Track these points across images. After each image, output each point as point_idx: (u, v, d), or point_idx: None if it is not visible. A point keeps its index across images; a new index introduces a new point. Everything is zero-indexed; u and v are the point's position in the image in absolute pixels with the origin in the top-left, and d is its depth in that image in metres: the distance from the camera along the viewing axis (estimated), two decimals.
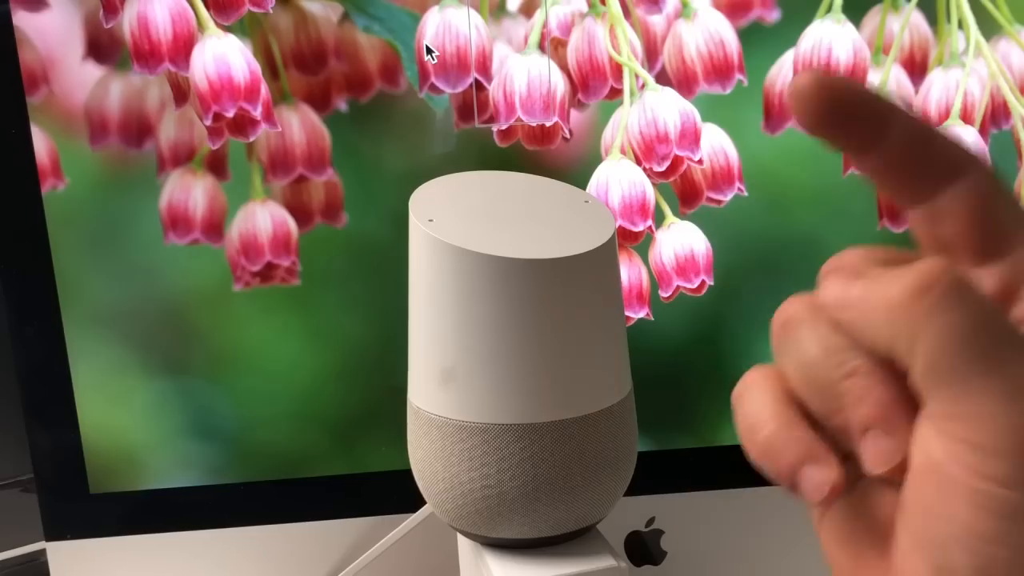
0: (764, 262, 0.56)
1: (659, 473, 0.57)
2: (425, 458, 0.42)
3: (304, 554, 0.58)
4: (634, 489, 0.45)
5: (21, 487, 0.64)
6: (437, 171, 0.45)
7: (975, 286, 0.23)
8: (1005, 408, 0.22)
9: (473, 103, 0.54)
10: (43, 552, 0.59)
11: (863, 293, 0.23)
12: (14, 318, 0.56)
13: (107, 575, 0.58)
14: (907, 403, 0.23)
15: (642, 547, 0.59)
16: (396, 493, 0.53)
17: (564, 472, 0.41)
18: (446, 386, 0.41)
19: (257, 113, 0.51)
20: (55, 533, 0.58)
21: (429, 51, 0.52)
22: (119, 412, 0.57)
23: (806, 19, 0.53)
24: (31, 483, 0.59)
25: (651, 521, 0.59)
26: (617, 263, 0.42)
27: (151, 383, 0.57)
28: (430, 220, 0.41)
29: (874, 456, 0.24)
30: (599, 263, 0.41)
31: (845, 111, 0.24)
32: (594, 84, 0.53)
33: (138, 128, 0.54)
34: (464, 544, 0.46)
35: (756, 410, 0.26)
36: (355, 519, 0.58)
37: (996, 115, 0.55)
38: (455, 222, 0.41)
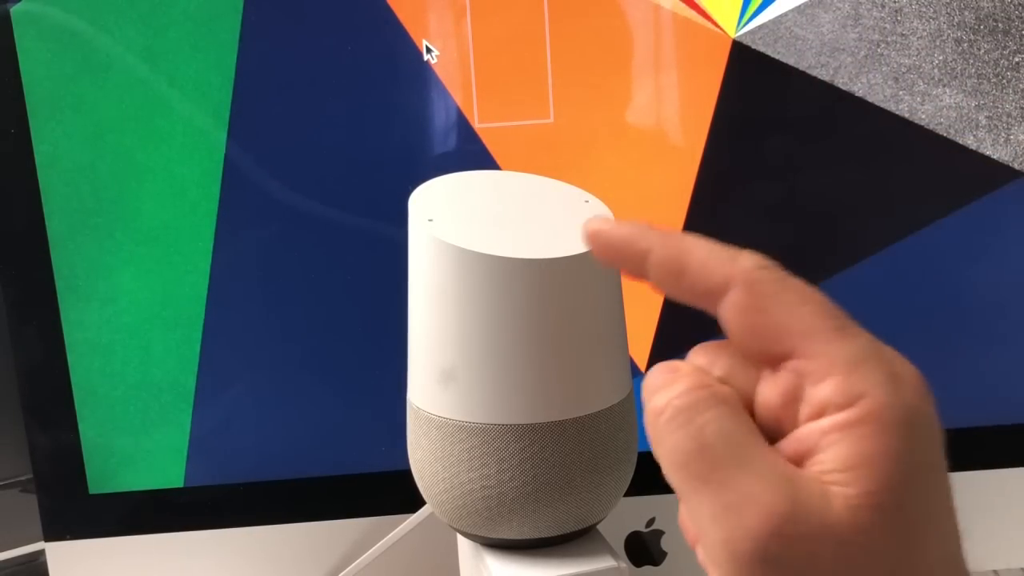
0: None
1: (659, 473, 0.57)
2: (425, 458, 0.42)
3: (304, 554, 0.58)
4: (634, 489, 0.44)
5: (21, 487, 0.64)
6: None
7: (707, 408, 0.25)
8: (713, 527, 0.24)
9: (473, 102, 0.54)
10: (42, 552, 0.59)
11: (644, 399, 0.27)
12: (14, 318, 0.56)
13: (106, 575, 0.58)
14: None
15: (642, 547, 0.59)
16: (396, 493, 0.53)
17: (564, 472, 0.41)
18: (446, 386, 0.41)
19: None
20: (54, 533, 0.58)
21: (429, 50, 0.52)
22: (118, 412, 0.57)
23: None
24: (30, 483, 0.59)
25: (651, 521, 0.59)
26: None
27: (151, 382, 0.57)
28: (430, 220, 0.41)
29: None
30: (599, 263, 0.40)
31: (608, 255, 0.28)
32: None
33: None
34: (464, 544, 0.46)
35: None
36: (355, 519, 0.58)
37: None
38: (455, 222, 0.41)
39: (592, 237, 0.29)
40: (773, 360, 0.26)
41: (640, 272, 0.28)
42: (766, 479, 0.24)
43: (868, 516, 0.24)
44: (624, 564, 0.42)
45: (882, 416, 0.24)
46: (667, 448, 0.25)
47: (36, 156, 0.55)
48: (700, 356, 0.28)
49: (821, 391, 0.25)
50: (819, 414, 0.25)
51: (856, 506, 0.24)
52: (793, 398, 0.25)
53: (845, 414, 0.24)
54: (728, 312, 0.26)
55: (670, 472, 0.25)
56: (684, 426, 0.25)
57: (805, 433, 0.25)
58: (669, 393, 0.25)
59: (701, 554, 0.26)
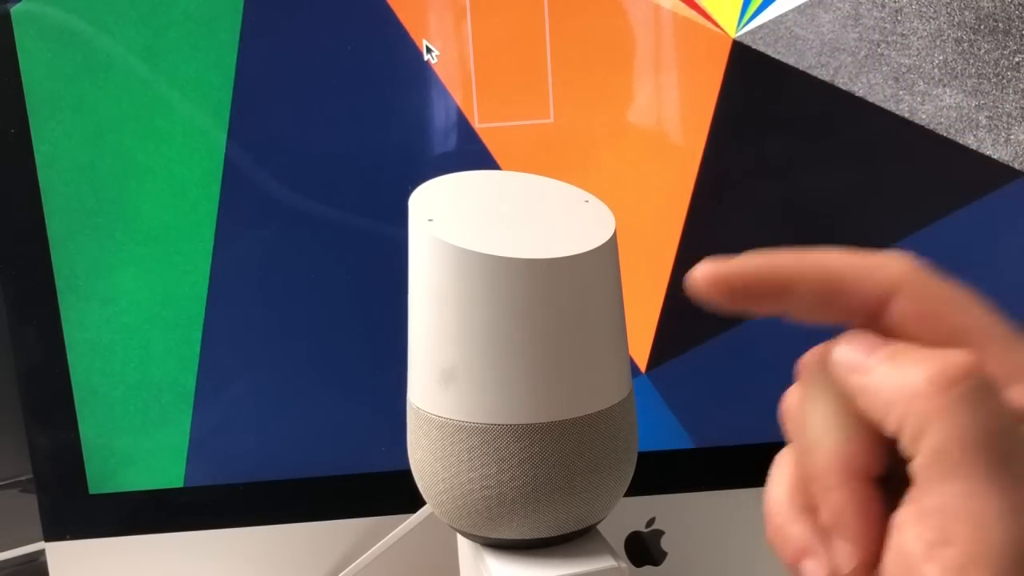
0: None
1: (659, 473, 0.57)
2: (425, 458, 0.42)
3: (304, 554, 0.58)
4: (634, 489, 0.44)
5: (20, 487, 0.64)
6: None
7: (999, 392, 0.22)
8: (1002, 522, 0.21)
9: (473, 102, 0.54)
10: (43, 552, 0.59)
11: (881, 364, 0.23)
12: (14, 318, 0.56)
13: (106, 575, 0.58)
14: (875, 506, 0.24)
15: (642, 547, 0.59)
16: (396, 493, 0.53)
17: (564, 472, 0.41)
18: (446, 386, 0.41)
19: None
20: (54, 533, 0.58)
21: (429, 50, 0.52)
22: (118, 412, 0.57)
23: None
24: (30, 483, 0.59)
25: (651, 521, 0.59)
26: (617, 263, 0.42)
27: (151, 382, 0.57)
28: (430, 220, 0.41)
29: (836, 558, 0.24)
30: (599, 263, 0.40)
31: (734, 297, 0.25)
32: None
33: None
34: (464, 544, 0.46)
35: (772, 496, 0.27)
36: (355, 519, 0.58)
37: None
38: (455, 222, 0.41)
39: (709, 284, 0.25)
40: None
41: (779, 305, 0.25)
42: None
43: None
44: (624, 564, 0.42)
45: None
46: (961, 423, 0.22)
47: (36, 156, 0.55)
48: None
49: (1019, 395, 0.24)
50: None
51: None
52: None
53: None
54: (901, 321, 0.25)
55: (959, 450, 0.22)
56: (986, 405, 0.22)
57: None
58: (961, 363, 0.22)
59: (918, 547, 0.22)
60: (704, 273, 0.25)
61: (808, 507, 0.26)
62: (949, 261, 0.55)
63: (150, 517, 0.58)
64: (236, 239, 0.56)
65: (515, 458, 0.40)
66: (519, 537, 0.42)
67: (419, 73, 0.54)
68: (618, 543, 0.59)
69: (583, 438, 0.41)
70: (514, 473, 0.40)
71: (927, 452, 0.22)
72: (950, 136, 0.54)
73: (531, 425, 0.40)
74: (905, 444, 0.23)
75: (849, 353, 0.24)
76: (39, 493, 0.58)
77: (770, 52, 0.54)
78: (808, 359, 0.25)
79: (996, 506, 0.21)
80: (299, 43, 0.54)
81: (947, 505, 0.22)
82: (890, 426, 0.23)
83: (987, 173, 0.55)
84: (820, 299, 0.25)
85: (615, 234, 0.41)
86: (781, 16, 0.54)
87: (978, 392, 0.22)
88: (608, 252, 0.41)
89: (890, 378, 0.23)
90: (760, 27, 0.54)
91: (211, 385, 0.57)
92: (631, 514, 0.58)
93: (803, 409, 0.25)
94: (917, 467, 0.22)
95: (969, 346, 0.24)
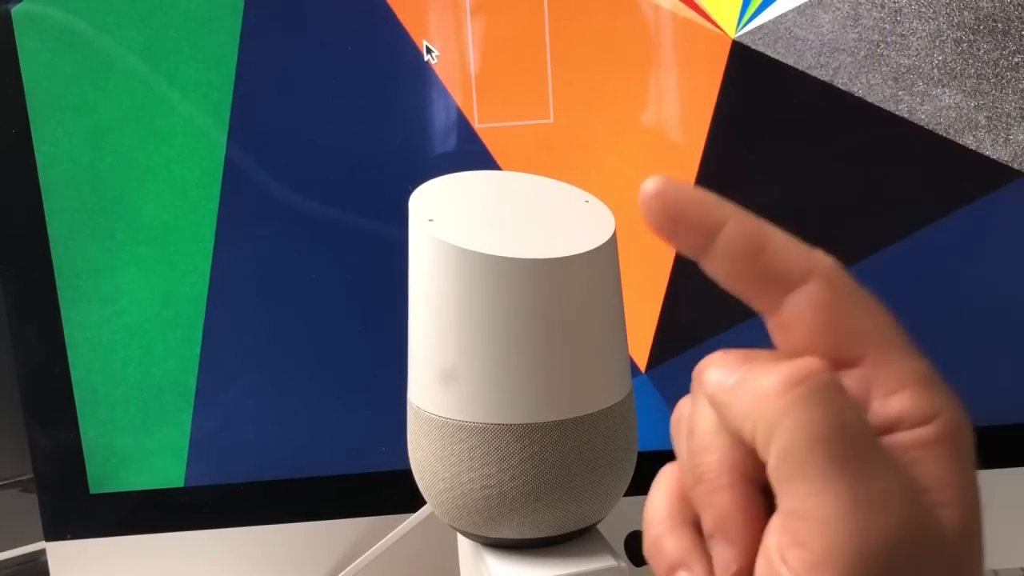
0: None
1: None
2: (425, 458, 0.42)
3: (304, 554, 0.58)
4: (634, 489, 0.44)
5: (21, 487, 0.64)
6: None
7: (844, 392, 0.23)
8: (843, 518, 0.22)
9: (473, 102, 0.54)
10: (43, 552, 0.59)
11: (740, 379, 0.24)
12: (14, 318, 0.56)
13: (107, 575, 0.58)
14: (758, 512, 0.24)
15: (642, 547, 0.59)
16: (396, 493, 0.53)
17: (564, 472, 0.41)
18: (446, 386, 0.41)
19: None
20: (55, 533, 0.58)
21: (429, 50, 0.52)
22: (119, 412, 0.57)
23: None
24: (31, 483, 0.59)
25: None
26: (617, 263, 0.42)
27: (151, 382, 0.57)
28: (430, 220, 0.41)
29: (716, 563, 0.24)
30: (599, 263, 0.40)
31: (669, 219, 0.25)
32: None
33: None
34: (464, 544, 0.46)
35: (651, 509, 0.27)
36: (355, 519, 0.58)
37: None
38: (455, 222, 0.41)
39: (652, 198, 0.25)
40: (833, 365, 0.24)
41: (703, 245, 0.25)
42: (899, 483, 0.23)
43: (968, 539, 0.23)
44: (624, 564, 0.42)
45: (959, 437, 0.24)
46: (802, 421, 0.22)
47: (37, 156, 0.55)
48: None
49: (895, 403, 0.24)
50: (892, 427, 0.24)
51: (959, 530, 0.23)
52: (861, 403, 0.24)
53: (925, 431, 0.24)
54: (804, 303, 0.24)
55: (800, 448, 0.22)
56: (828, 403, 0.22)
57: (887, 444, 0.24)
58: (806, 366, 0.23)
59: (776, 543, 0.23)
60: (654, 187, 0.25)
61: (687, 521, 0.26)
62: (948, 261, 0.55)
63: (150, 517, 0.58)
64: (236, 239, 0.56)
65: (515, 458, 0.40)
66: (519, 537, 0.42)
67: (419, 73, 0.54)
68: (618, 543, 0.59)
69: (583, 438, 0.41)
70: (514, 473, 0.40)
71: (776, 454, 0.22)
72: (949, 136, 0.54)
73: (531, 425, 0.40)
74: (760, 450, 0.23)
75: (715, 374, 0.25)
76: (40, 493, 0.58)
77: (770, 52, 0.54)
78: (701, 368, 0.25)
79: (839, 502, 0.22)
80: (299, 43, 0.54)
81: (797, 506, 0.22)
82: (747, 435, 0.23)
83: (986, 173, 0.55)
84: (745, 250, 0.25)
85: (615, 234, 0.41)
86: (781, 16, 0.54)
87: (821, 391, 0.22)
88: (608, 252, 0.41)
89: (746, 388, 0.23)
90: (760, 27, 0.54)
91: (211, 385, 0.57)
92: (631, 514, 0.58)
93: (693, 417, 0.25)
94: (770, 471, 0.23)
95: (863, 347, 0.24)
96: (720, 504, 0.24)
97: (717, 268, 0.25)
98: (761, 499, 0.24)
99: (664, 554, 0.26)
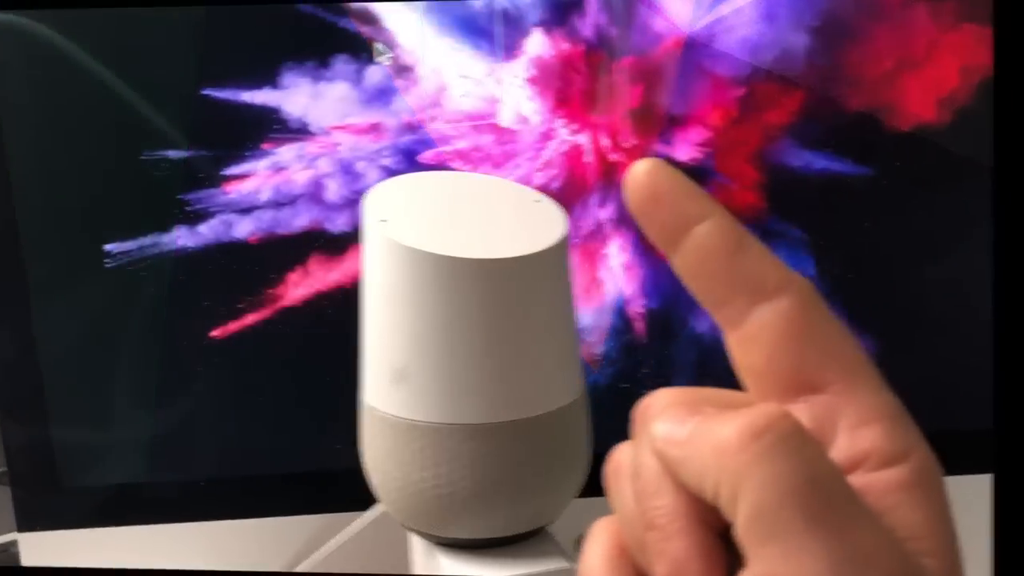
0: None
1: None
2: (377, 457, 0.42)
3: (260, 548, 0.59)
4: (588, 491, 0.44)
5: None
6: None
7: (812, 440, 0.21)
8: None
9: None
10: (15, 543, 0.60)
11: (693, 431, 0.22)
12: None
13: (76, 564, 0.59)
14: (717, 558, 0.22)
15: None
16: (352, 491, 0.53)
17: (515, 472, 0.41)
18: (398, 385, 0.41)
19: None
20: (27, 524, 0.59)
21: (381, 52, 0.52)
22: (90, 406, 0.58)
23: None
24: (5, 476, 0.59)
25: None
26: (569, 263, 0.42)
27: (122, 377, 0.57)
28: (383, 220, 0.41)
29: None
30: (551, 263, 0.40)
31: (653, 203, 0.23)
32: None
33: None
34: (417, 543, 0.46)
35: (588, 567, 0.25)
36: (312, 515, 0.58)
37: None
38: (408, 222, 0.41)
39: (642, 175, 0.23)
40: (796, 387, 0.23)
41: (678, 234, 0.23)
42: (881, 535, 0.21)
43: None
44: (576, 566, 0.42)
45: (933, 477, 0.22)
46: (770, 477, 0.20)
47: (9, 159, 0.55)
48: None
49: (865, 437, 0.22)
50: (860, 462, 0.22)
51: None
52: (821, 434, 0.23)
53: (898, 472, 0.22)
54: (773, 315, 0.23)
55: (771, 508, 0.20)
56: (797, 454, 0.20)
57: (858, 485, 0.22)
58: (767, 413, 0.21)
59: None
60: (644, 169, 0.23)
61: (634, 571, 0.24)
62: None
63: (118, 510, 0.58)
64: (199, 239, 0.56)
65: (466, 457, 0.40)
66: (471, 536, 0.42)
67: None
68: (570, 545, 0.58)
69: (535, 438, 0.41)
70: (465, 472, 0.40)
71: (744, 514, 0.20)
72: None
73: (483, 425, 0.40)
74: (724, 510, 0.21)
75: (662, 428, 0.23)
76: (13, 486, 0.58)
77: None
78: (645, 415, 0.24)
79: (819, 566, 0.20)
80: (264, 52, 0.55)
81: (772, 571, 0.20)
82: (707, 493, 0.21)
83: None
84: (723, 246, 0.23)
85: (567, 234, 0.41)
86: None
87: (787, 440, 0.21)
88: (560, 252, 0.41)
89: (701, 442, 0.22)
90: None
91: (172, 384, 0.58)
92: (584, 516, 0.58)
93: (639, 459, 0.23)
94: (740, 533, 0.21)
95: (830, 372, 0.23)
96: (676, 551, 0.22)
97: (688, 263, 0.23)
98: (719, 543, 0.22)
99: None
